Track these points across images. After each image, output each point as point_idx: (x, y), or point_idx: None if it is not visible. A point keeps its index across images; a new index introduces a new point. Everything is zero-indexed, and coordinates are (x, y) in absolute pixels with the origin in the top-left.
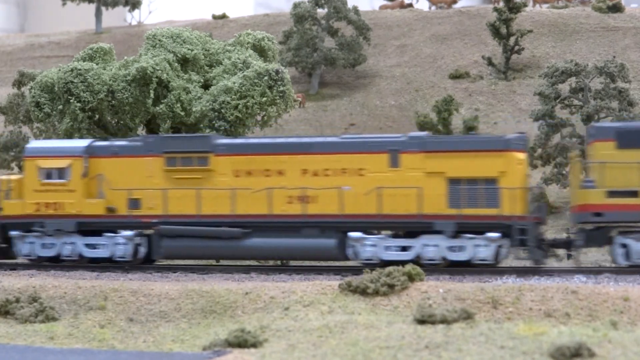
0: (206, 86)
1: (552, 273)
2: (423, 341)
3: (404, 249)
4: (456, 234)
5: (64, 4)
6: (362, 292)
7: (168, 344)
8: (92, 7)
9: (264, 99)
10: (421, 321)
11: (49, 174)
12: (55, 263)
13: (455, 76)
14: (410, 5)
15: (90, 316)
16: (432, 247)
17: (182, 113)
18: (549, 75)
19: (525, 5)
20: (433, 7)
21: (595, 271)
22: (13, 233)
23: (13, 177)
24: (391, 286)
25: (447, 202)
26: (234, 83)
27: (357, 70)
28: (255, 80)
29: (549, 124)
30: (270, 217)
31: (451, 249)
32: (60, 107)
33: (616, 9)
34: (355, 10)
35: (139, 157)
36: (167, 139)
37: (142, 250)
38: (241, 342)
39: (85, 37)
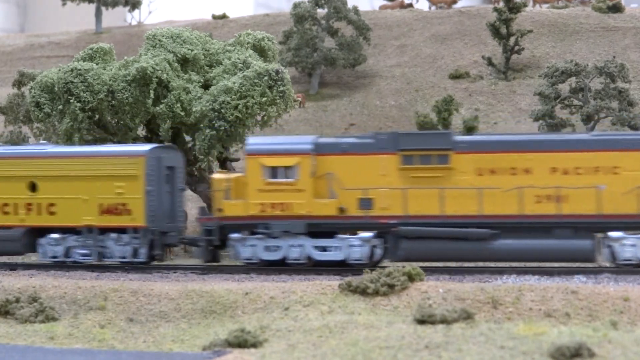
0: (206, 86)
1: (552, 273)
2: (423, 341)
3: None
4: None
5: (64, 4)
6: (362, 292)
7: (168, 344)
8: (92, 7)
9: (264, 99)
10: (421, 321)
11: (274, 172)
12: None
13: (455, 76)
14: (410, 5)
15: (90, 316)
16: None
17: (182, 113)
18: (549, 75)
19: (525, 5)
20: (433, 7)
21: (595, 271)
22: (234, 235)
23: (231, 175)
24: (391, 286)
25: None
26: (234, 83)
27: (357, 70)
28: (255, 80)
29: (549, 124)
30: (520, 217)
31: None
32: (60, 107)
33: (616, 9)
34: (355, 10)
35: (371, 155)
36: (403, 136)
37: (379, 253)
38: (241, 342)
39: (85, 37)
